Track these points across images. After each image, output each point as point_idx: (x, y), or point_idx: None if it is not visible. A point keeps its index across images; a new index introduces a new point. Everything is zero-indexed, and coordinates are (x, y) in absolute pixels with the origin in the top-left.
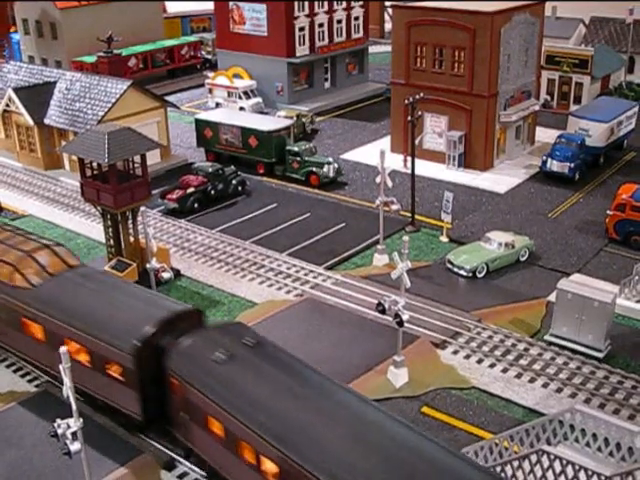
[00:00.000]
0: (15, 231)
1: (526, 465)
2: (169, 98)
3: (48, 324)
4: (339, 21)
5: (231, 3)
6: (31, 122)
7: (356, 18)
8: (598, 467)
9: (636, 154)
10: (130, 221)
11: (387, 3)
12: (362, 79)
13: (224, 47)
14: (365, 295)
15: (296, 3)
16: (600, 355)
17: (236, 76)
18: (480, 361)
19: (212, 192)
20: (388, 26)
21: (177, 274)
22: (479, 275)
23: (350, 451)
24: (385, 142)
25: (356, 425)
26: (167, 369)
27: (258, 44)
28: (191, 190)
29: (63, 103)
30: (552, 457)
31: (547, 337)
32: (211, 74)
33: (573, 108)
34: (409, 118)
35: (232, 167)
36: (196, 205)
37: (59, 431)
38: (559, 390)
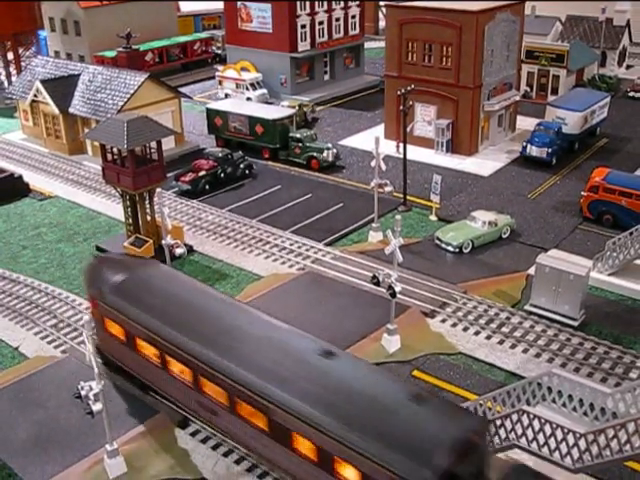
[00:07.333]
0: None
1: (508, 423)
2: (183, 89)
3: None
4: (337, 19)
5: (239, 3)
6: (57, 111)
7: (353, 16)
8: (573, 425)
9: (608, 140)
10: (147, 201)
11: (381, 2)
12: (358, 72)
13: (233, 43)
14: (361, 269)
15: (298, 3)
16: (575, 323)
17: (244, 69)
18: (466, 329)
19: (222, 175)
20: (382, 24)
21: (190, 250)
22: (465, 250)
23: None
24: (379, 129)
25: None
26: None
27: (264, 40)
28: (202, 173)
29: (86, 94)
30: (531, 416)
31: (527, 307)
32: (221, 67)
33: (550, 98)
34: (401, 107)
35: (240, 152)
36: (207, 187)
37: (82, 393)
38: (538, 355)
